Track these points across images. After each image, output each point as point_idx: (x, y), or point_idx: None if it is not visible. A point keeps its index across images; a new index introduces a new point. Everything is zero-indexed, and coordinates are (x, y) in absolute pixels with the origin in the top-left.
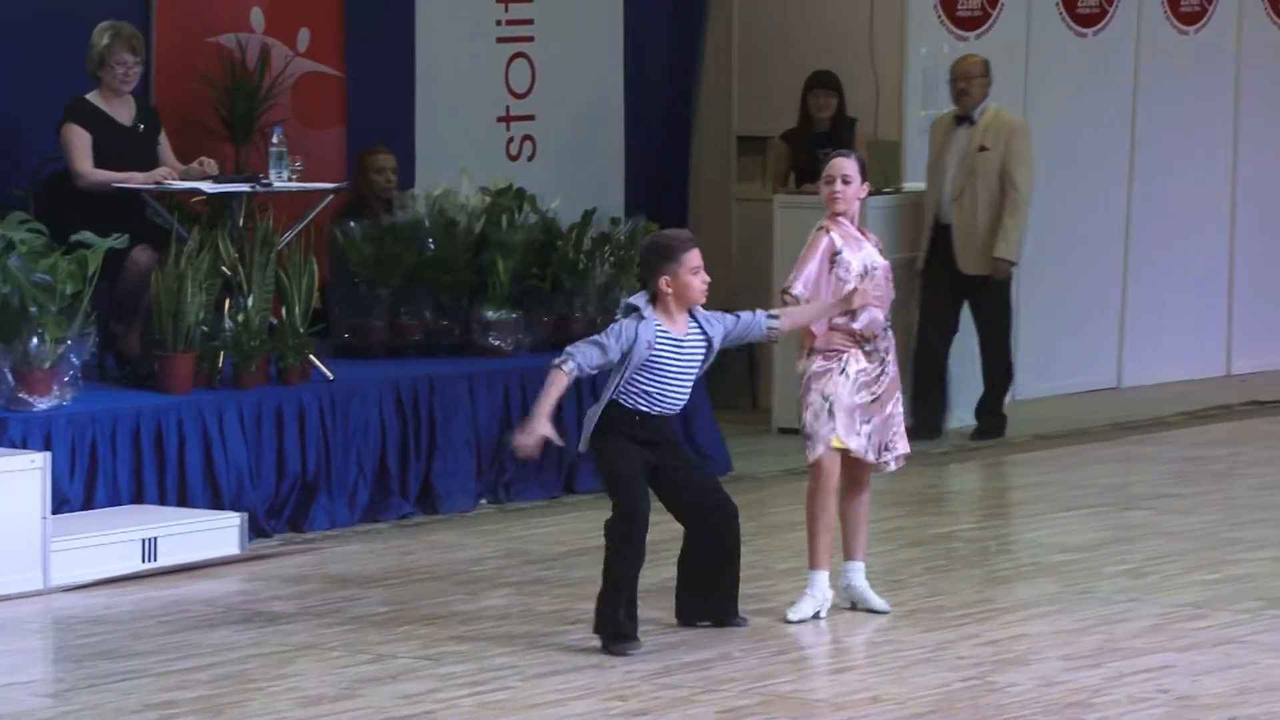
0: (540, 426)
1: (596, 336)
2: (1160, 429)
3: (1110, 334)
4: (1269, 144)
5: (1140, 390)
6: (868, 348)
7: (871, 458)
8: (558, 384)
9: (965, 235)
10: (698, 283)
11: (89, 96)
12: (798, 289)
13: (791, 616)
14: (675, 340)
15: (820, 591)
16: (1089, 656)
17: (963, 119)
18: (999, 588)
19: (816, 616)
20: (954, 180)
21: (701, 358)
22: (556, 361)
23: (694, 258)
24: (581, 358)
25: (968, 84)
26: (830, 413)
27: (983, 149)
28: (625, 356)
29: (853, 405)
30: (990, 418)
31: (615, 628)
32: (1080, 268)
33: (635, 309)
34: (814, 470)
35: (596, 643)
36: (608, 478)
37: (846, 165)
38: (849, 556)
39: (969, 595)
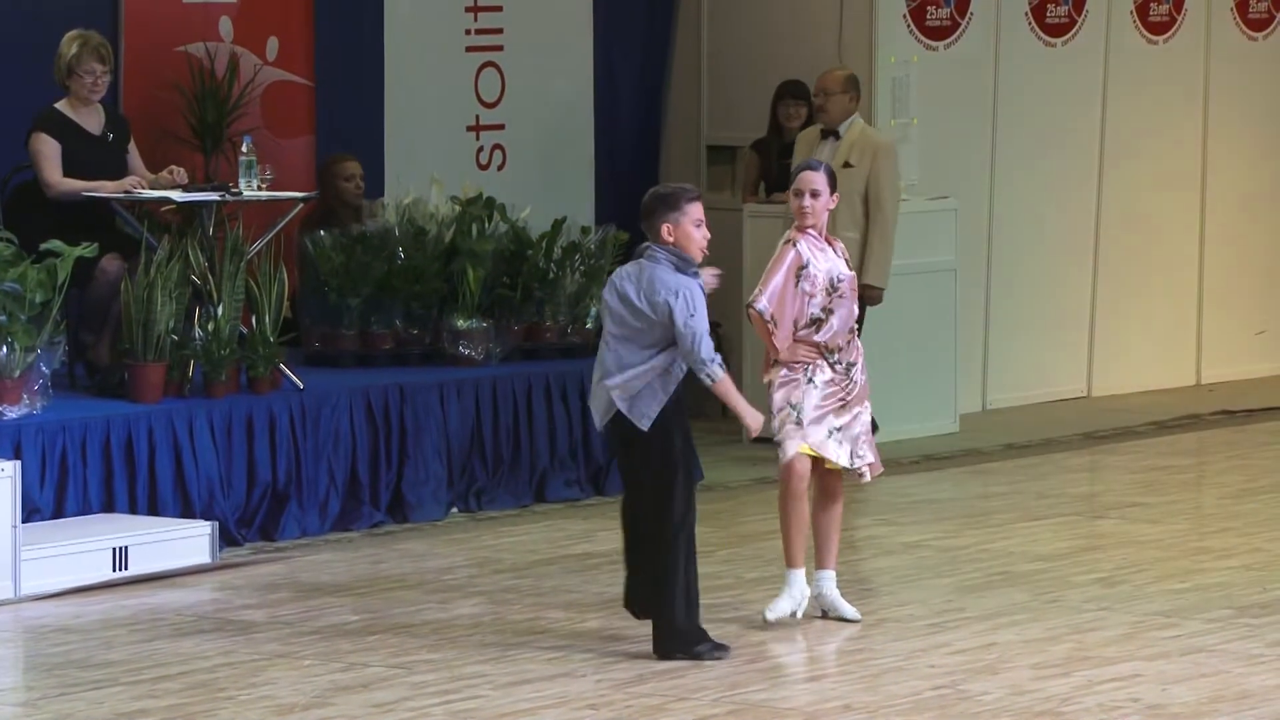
0: (752, 412)
1: (693, 323)
2: (1129, 438)
3: (1080, 344)
4: (1238, 153)
5: (1110, 400)
6: (832, 359)
7: (846, 462)
8: (730, 383)
9: None
10: (699, 235)
11: (58, 105)
12: (761, 303)
13: (769, 615)
14: None
15: (798, 590)
16: (1059, 665)
17: (828, 133)
18: (969, 596)
19: (793, 615)
20: None
21: None
22: (713, 371)
23: (697, 210)
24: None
25: (825, 100)
26: (798, 420)
27: (847, 165)
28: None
29: (822, 411)
30: None
31: (698, 632)
32: (1050, 277)
33: (684, 265)
34: (783, 473)
35: (566, 652)
36: (674, 465)
37: (815, 179)
38: (820, 565)
39: (939, 604)
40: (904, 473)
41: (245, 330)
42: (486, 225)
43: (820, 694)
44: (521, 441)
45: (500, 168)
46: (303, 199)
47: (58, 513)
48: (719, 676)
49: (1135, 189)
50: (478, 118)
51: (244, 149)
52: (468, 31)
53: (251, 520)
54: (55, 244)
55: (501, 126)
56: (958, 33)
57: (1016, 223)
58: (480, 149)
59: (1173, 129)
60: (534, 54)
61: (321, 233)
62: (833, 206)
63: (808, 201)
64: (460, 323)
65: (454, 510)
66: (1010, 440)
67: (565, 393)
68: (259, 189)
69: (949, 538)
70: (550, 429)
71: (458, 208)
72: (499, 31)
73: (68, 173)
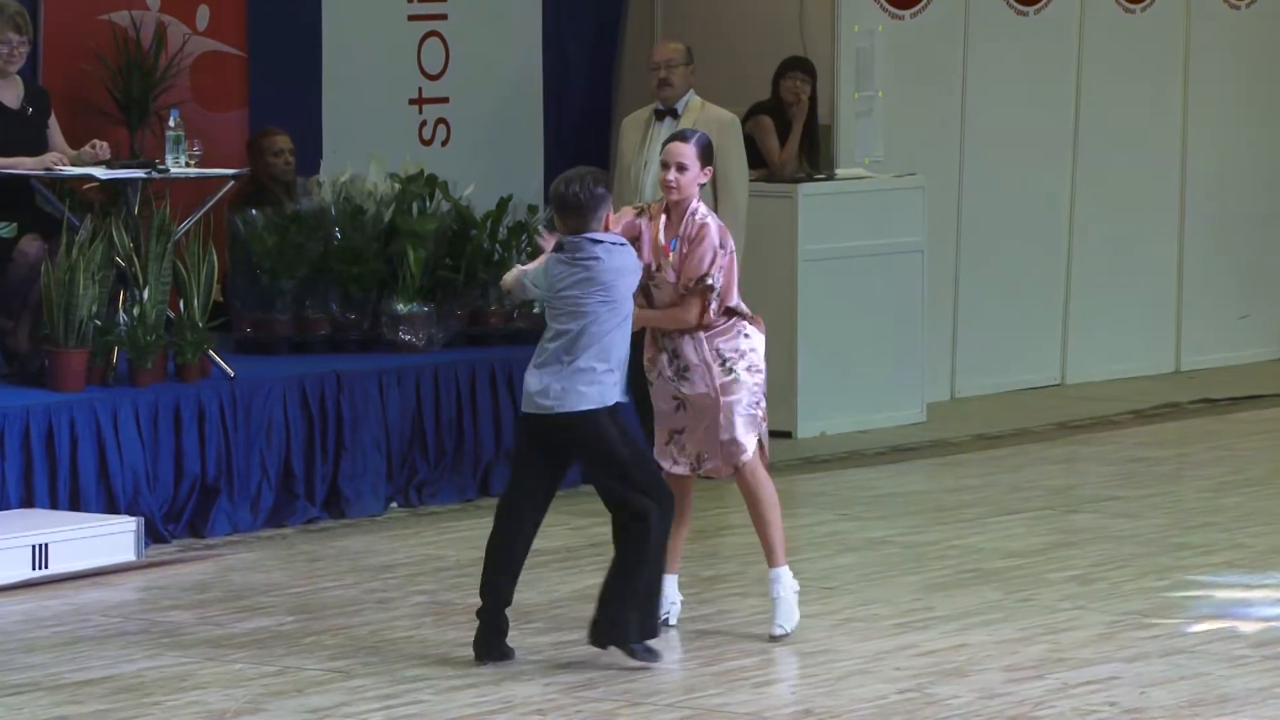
0: None
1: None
2: (1106, 428)
3: (1053, 328)
4: (1219, 130)
5: (1085, 388)
6: (664, 342)
7: (682, 470)
8: None
9: None
10: None
11: None
12: None
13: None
14: None
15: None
16: (1032, 667)
17: (664, 113)
18: (937, 595)
19: (664, 622)
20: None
21: None
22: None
23: None
24: None
25: (669, 73)
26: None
27: None
28: None
29: (663, 415)
30: None
31: (655, 627)
32: (1022, 258)
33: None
34: None
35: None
36: (637, 439)
37: (683, 151)
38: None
39: (906, 603)
40: (868, 465)
41: (172, 315)
42: (428, 204)
43: (779, 698)
44: (465, 432)
45: (444, 143)
46: (233, 176)
47: None
48: (673, 681)
49: (1111, 165)
50: (420, 90)
51: (171, 123)
52: None
53: (179, 516)
54: None
55: (446, 100)
56: (925, 1)
57: (987, 201)
58: (424, 123)
59: (1151, 103)
60: (480, 23)
61: (253, 212)
62: (704, 181)
63: (672, 175)
64: (400, 307)
65: (394, 505)
66: (981, 430)
67: (511, 380)
68: (187, 165)
69: (916, 533)
70: (495, 419)
71: (397, 185)
72: None
73: None
